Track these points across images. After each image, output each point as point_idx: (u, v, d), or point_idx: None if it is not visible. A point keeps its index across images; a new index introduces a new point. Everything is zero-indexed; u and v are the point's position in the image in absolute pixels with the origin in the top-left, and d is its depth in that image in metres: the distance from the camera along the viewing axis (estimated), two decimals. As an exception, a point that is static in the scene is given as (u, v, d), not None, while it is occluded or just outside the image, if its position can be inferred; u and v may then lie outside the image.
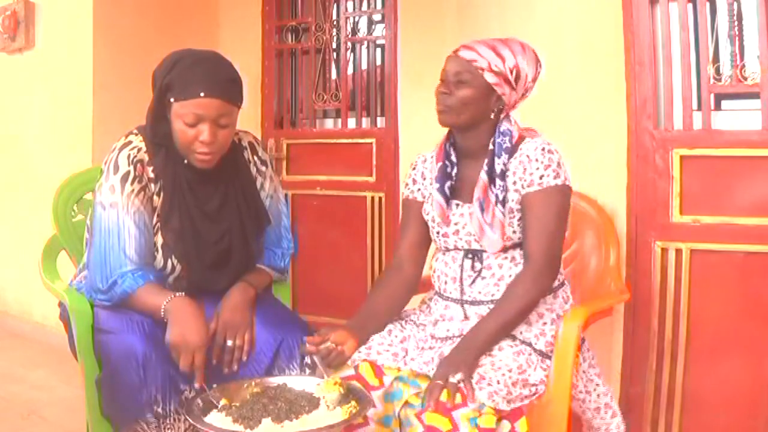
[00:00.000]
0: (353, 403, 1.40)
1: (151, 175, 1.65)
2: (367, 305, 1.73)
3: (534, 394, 1.53)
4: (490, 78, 1.62)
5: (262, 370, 1.64)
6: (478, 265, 1.66)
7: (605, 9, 2.36)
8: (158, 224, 1.65)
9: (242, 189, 1.76)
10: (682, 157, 2.24)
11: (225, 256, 1.72)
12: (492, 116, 1.66)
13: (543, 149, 1.63)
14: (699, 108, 2.24)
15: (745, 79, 2.15)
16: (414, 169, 1.81)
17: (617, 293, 2.03)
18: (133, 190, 1.60)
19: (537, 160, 1.62)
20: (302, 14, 3.43)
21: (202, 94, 1.55)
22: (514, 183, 1.64)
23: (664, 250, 2.27)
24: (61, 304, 1.81)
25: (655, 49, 2.30)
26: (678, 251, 2.25)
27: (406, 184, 1.82)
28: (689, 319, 2.24)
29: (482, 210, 1.62)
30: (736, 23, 2.20)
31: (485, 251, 1.65)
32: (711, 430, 2.22)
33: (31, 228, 3.25)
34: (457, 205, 1.69)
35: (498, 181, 1.62)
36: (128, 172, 1.61)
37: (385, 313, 1.71)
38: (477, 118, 1.65)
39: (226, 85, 1.59)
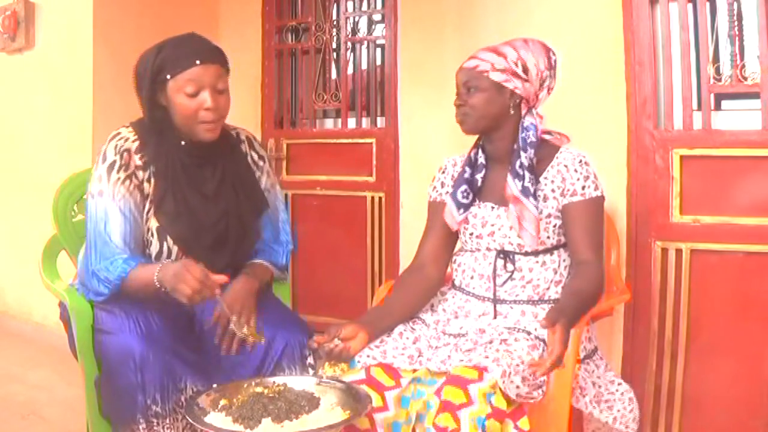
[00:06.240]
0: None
1: (139, 162, 1.67)
2: (386, 302, 1.73)
3: (539, 396, 1.52)
4: (496, 77, 1.65)
5: (261, 368, 1.64)
6: (510, 266, 1.69)
7: (605, 9, 2.36)
8: (151, 209, 1.67)
9: (238, 172, 1.79)
10: (682, 157, 2.24)
11: (223, 236, 1.74)
12: (512, 112, 1.69)
13: (581, 161, 1.69)
14: (699, 108, 2.24)
15: (745, 79, 2.15)
16: (443, 172, 1.84)
17: (617, 293, 2.03)
18: (119, 179, 1.64)
19: (576, 170, 1.68)
20: (302, 14, 3.43)
21: (198, 62, 1.62)
22: (553, 191, 1.68)
23: (664, 250, 2.27)
24: (61, 304, 1.82)
25: (655, 49, 2.30)
26: (678, 251, 2.25)
27: (434, 187, 1.84)
28: (689, 319, 2.24)
29: (516, 207, 1.64)
30: (736, 23, 2.20)
31: (517, 253, 1.67)
32: (711, 430, 2.22)
33: (31, 228, 3.25)
34: (493, 207, 1.71)
35: (527, 174, 1.64)
36: (114, 162, 1.65)
37: (401, 313, 1.71)
38: (497, 119, 1.69)
39: (216, 51, 1.68)
